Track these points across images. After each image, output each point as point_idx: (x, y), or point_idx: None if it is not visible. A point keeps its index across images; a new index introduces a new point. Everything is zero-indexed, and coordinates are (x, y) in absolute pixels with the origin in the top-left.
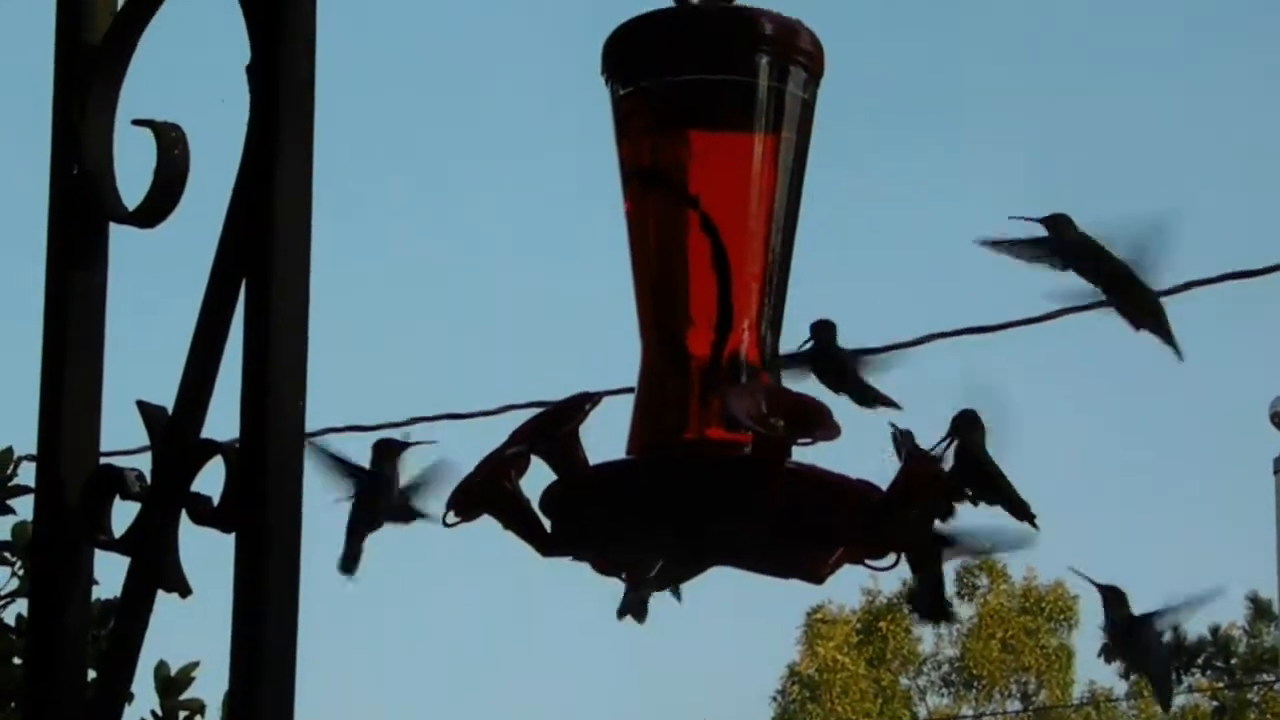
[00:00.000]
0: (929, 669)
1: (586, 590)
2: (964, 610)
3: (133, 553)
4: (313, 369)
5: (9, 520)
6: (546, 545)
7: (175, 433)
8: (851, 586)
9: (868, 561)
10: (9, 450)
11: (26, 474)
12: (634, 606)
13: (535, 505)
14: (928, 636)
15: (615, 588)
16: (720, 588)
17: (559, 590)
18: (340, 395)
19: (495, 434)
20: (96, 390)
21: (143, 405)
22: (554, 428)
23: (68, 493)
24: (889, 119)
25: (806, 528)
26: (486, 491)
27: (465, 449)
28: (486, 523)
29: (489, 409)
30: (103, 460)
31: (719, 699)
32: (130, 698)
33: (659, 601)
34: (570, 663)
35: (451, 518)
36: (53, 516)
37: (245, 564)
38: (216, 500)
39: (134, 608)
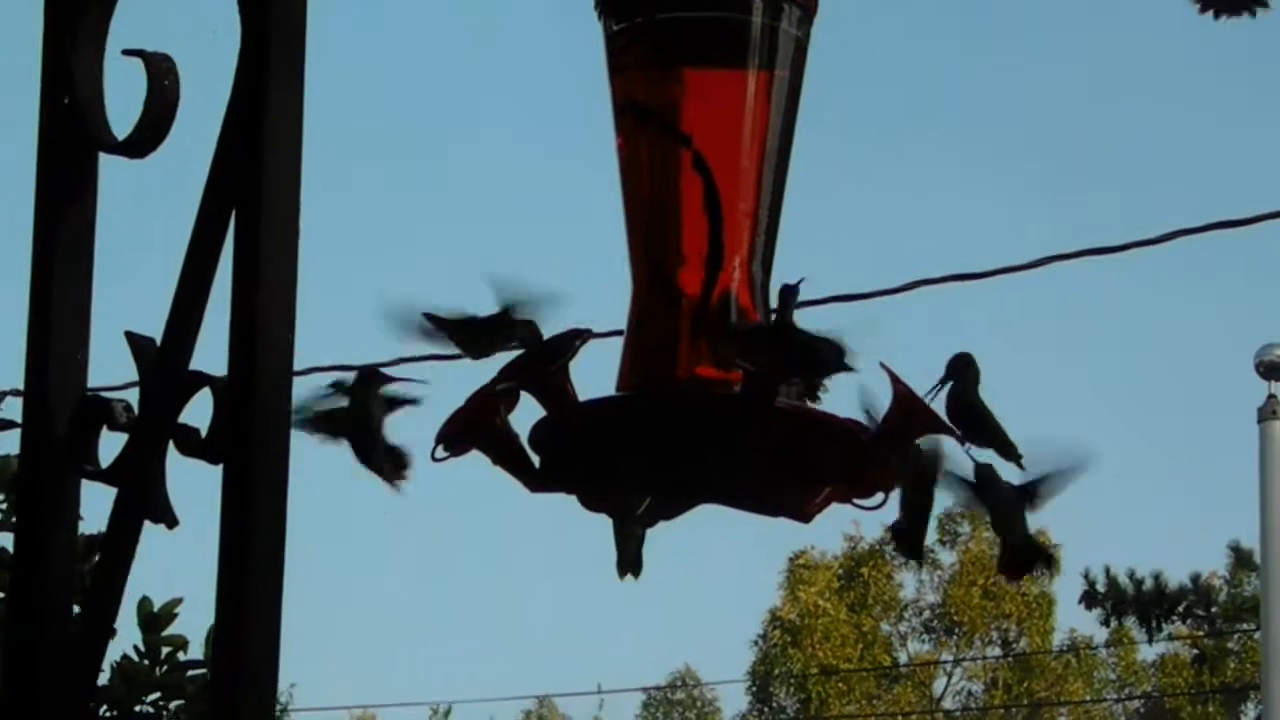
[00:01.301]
0: (910, 615)
1: (566, 531)
2: (945, 557)
3: (120, 483)
4: (301, 303)
5: None
6: (535, 481)
7: (164, 364)
8: (833, 532)
9: (856, 501)
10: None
11: (11, 409)
12: (631, 561)
13: (524, 441)
14: (909, 583)
15: (597, 528)
16: (702, 532)
17: (537, 532)
18: (325, 333)
19: (482, 375)
20: (84, 321)
21: (131, 336)
22: (544, 364)
23: (55, 423)
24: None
25: (795, 466)
26: (475, 427)
27: (450, 389)
28: (475, 458)
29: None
30: (90, 392)
31: (700, 643)
32: (113, 633)
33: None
34: (548, 605)
35: (440, 452)
36: (40, 447)
37: (232, 495)
38: (204, 432)
39: (120, 539)
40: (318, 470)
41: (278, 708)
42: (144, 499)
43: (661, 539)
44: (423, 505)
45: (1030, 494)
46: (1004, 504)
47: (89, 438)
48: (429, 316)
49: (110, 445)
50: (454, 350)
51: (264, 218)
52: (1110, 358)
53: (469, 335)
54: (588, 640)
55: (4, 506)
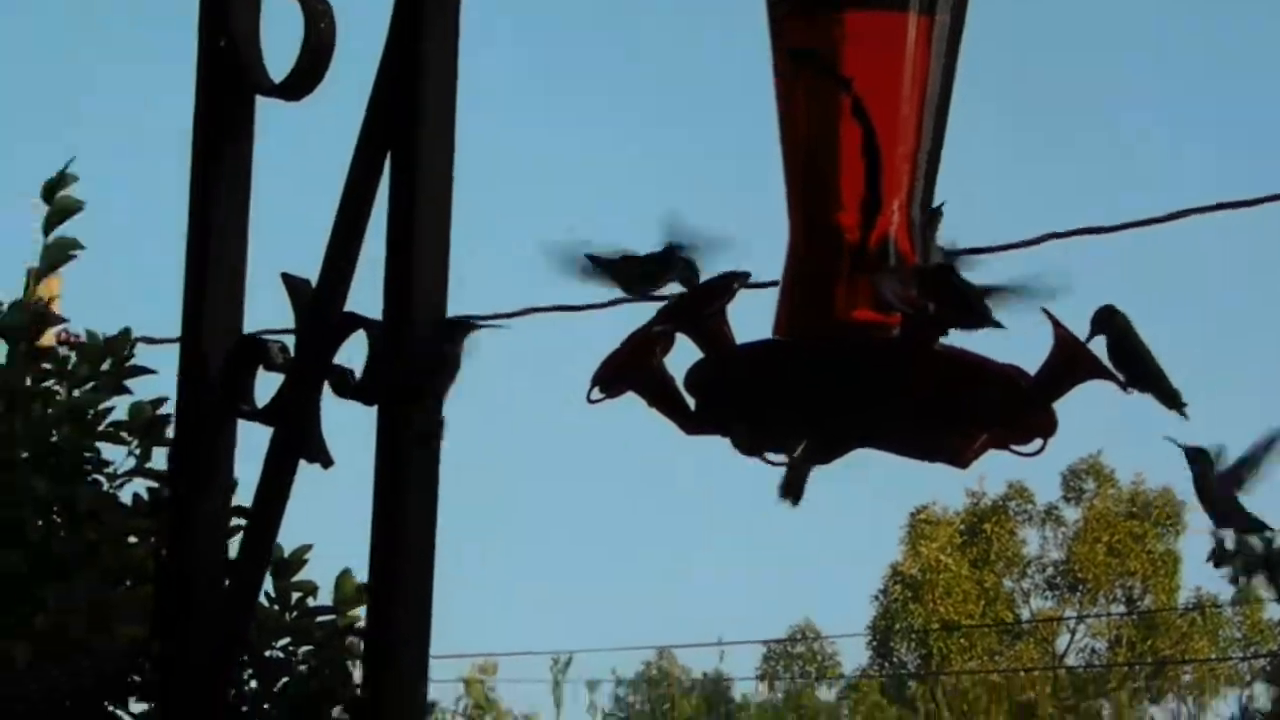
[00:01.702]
0: (1033, 571)
1: (688, 483)
2: (1070, 513)
3: (275, 423)
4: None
5: (126, 400)
6: (690, 423)
7: (319, 306)
8: (956, 487)
9: (1013, 447)
10: (127, 331)
11: (143, 355)
12: (793, 486)
13: (680, 383)
14: (1033, 539)
15: (718, 479)
16: (824, 485)
17: (660, 483)
18: (480, 274)
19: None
20: (241, 262)
21: (287, 278)
22: (701, 306)
23: (212, 364)
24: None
25: (953, 411)
26: (631, 368)
27: (577, 341)
28: (630, 399)
29: (600, 302)
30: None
31: (821, 597)
32: (267, 567)
33: (761, 498)
34: (669, 556)
35: (596, 394)
36: (197, 387)
37: (386, 438)
38: (359, 373)
39: (276, 478)
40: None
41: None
42: (299, 439)
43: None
44: (543, 454)
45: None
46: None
47: (245, 378)
48: (590, 257)
49: (267, 386)
50: (612, 289)
51: (419, 160)
52: (1232, 314)
53: (629, 273)
54: (708, 592)
55: (138, 451)
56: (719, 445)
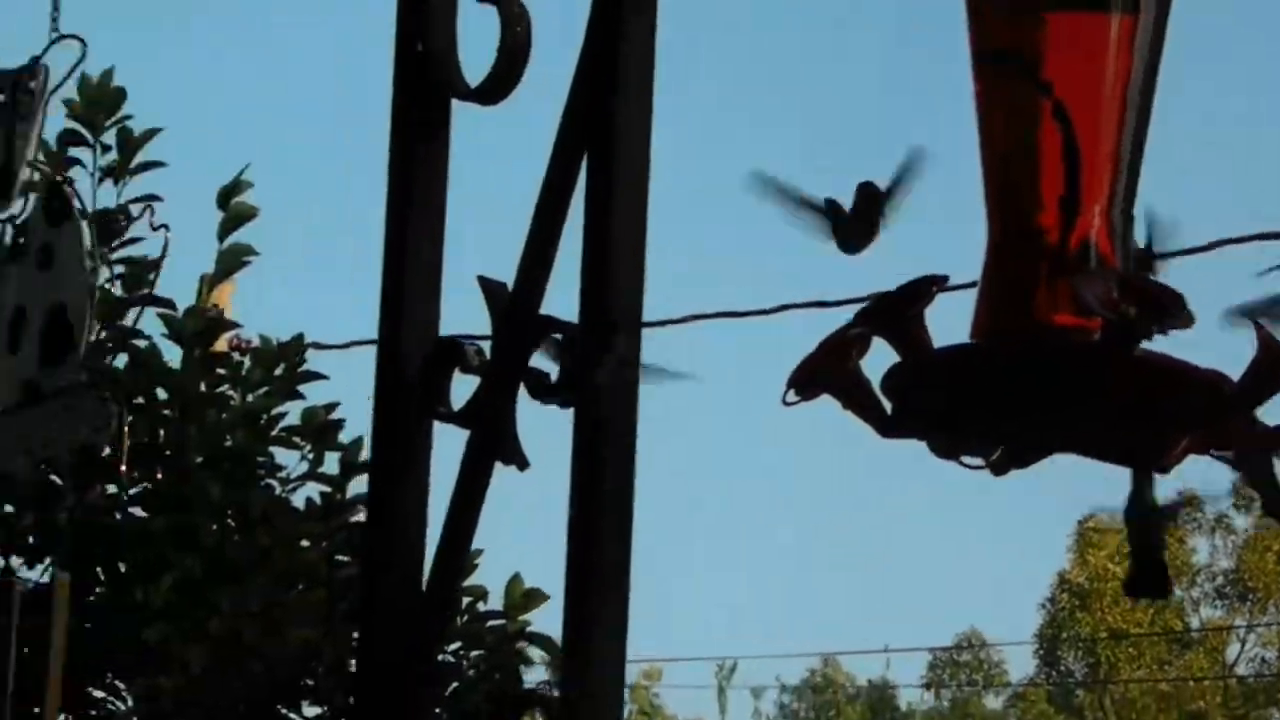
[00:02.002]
0: (1203, 580)
1: (855, 489)
2: (1240, 522)
3: (472, 425)
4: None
5: (299, 405)
6: (886, 426)
7: (515, 308)
8: (1123, 495)
9: (1214, 452)
10: (299, 336)
11: (315, 360)
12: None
13: (876, 386)
14: (1202, 547)
15: (885, 484)
16: (990, 493)
17: (826, 490)
18: (674, 277)
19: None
20: (437, 265)
21: (484, 281)
22: (899, 309)
23: (409, 366)
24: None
25: (1153, 415)
26: (827, 371)
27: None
28: (825, 402)
29: (766, 308)
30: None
31: (987, 605)
32: (464, 568)
33: (931, 509)
34: (835, 563)
35: (791, 396)
36: (394, 390)
37: (583, 440)
38: (555, 376)
39: (472, 480)
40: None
41: (558, 659)
42: (495, 441)
43: (952, 500)
44: (710, 463)
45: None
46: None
47: (442, 380)
48: (799, 198)
49: (463, 388)
50: (822, 229)
51: (616, 161)
52: None
53: (838, 218)
54: (874, 600)
55: (310, 456)
56: (888, 452)
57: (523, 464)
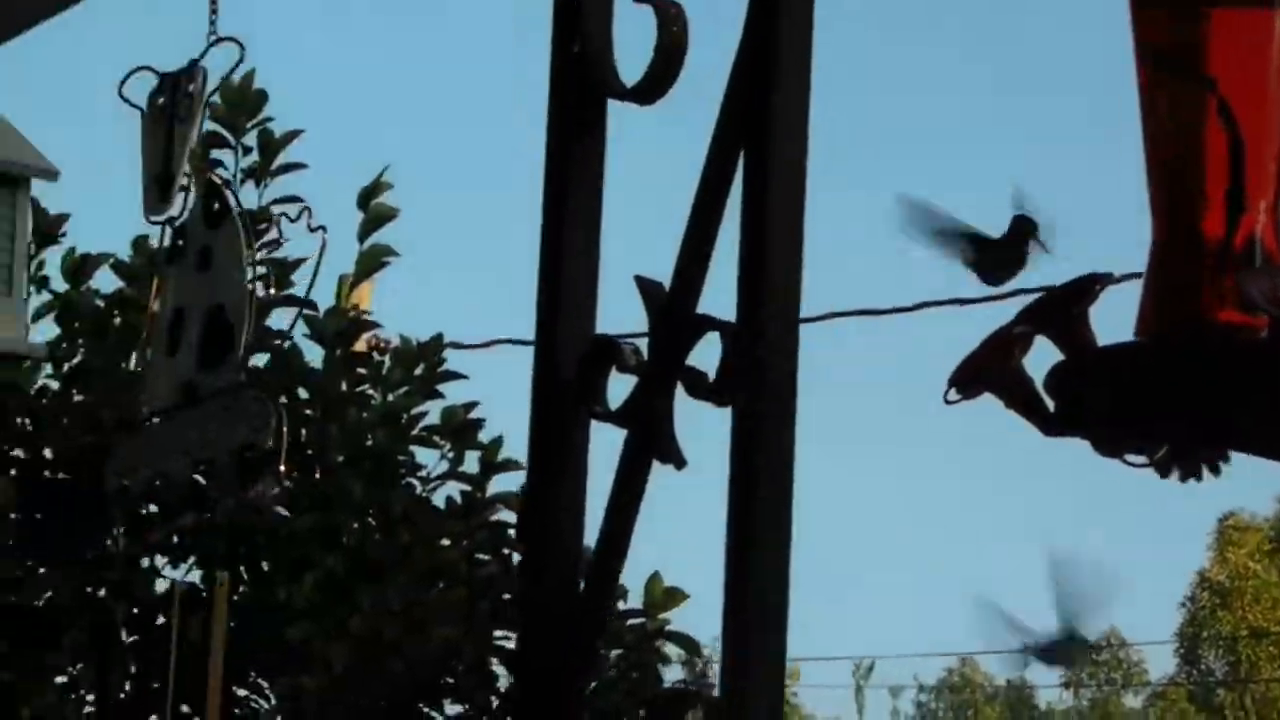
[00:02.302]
0: None
1: (994, 485)
2: None
3: (629, 424)
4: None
5: (438, 404)
6: (1050, 425)
7: (672, 307)
8: (1264, 494)
9: None
10: (439, 336)
11: (454, 360)
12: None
13: (1038, 385)
14: None
15: (1020, 480)
16: (1132, 491)
17: (965, 486)
18: (849, 276)
19: (997, 320)
20: (594, 265)
21: (640, 280)
22: (1063, 307)
23: (565, 366)
24: None
25: None
26: (990, 369)
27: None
28: (986, 401)
29: (905, 306)
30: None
31: (1126, 604)
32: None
33: (1070, 507)
34: (973, 562)
35: (953, 395)
36: (550, 390)
37: (742, 438)
38: (712, 374)
39: (630, 479)
40: None
41: (701, 661)
42: (653, 440)
43: (1091, 498)
44: (846, 462)
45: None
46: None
47: (598, 380)
48: (943, 228)
49: (619, 388)
50: (962, 262)
51: (773, 158)
52: None
53: (981, 251)
54: (1012, 598)
55: (450, 455)
56: (1026, 451)
57: (680, 462)
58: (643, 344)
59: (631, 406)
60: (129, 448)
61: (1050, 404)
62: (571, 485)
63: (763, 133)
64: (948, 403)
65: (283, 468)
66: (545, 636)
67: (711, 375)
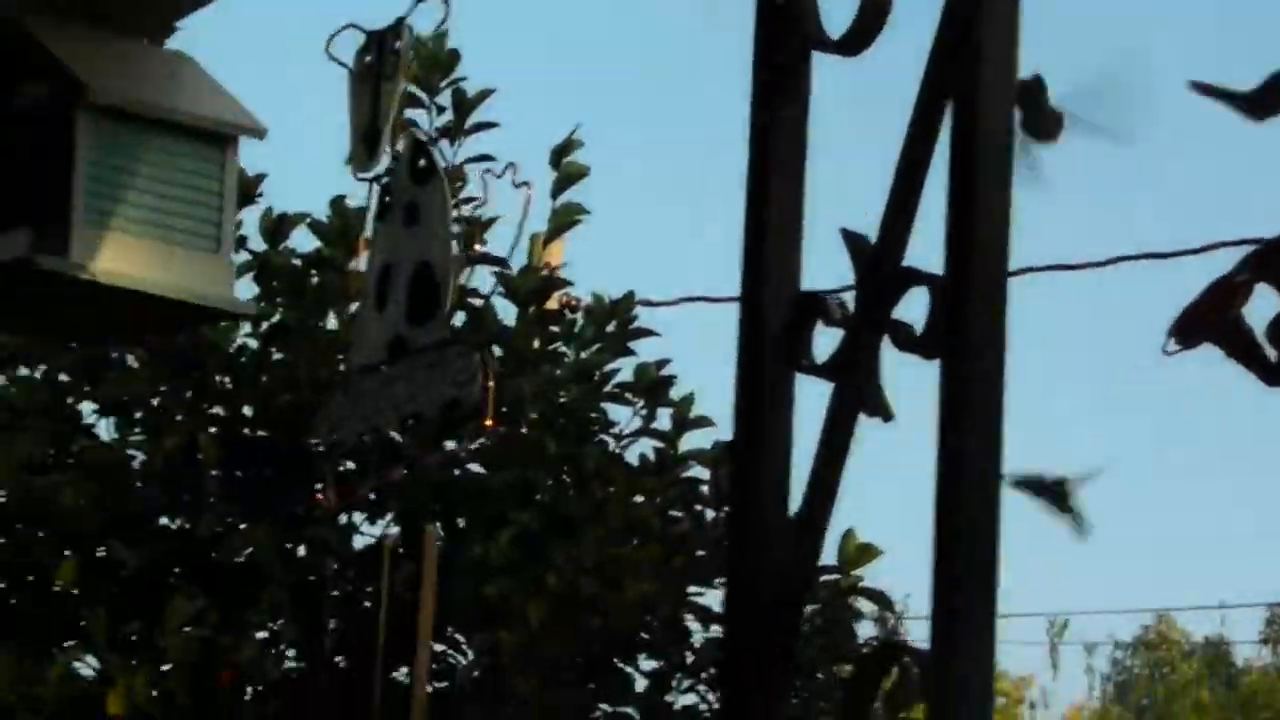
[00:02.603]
0: None
1: (1182, 441)
2: None
3: (836, 378)
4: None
5: (630, 361)
6: (1272, 376)
7: (878, 261)
8: None
9: None
10: (630, 294)
11: (645, 317)
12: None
13: (1261, 335)
14: None
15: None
16: None
17: (1155, 441)
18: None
19: (1199, 275)
20: (798, 218)
21: (846, 233)
22: None
23: (771, 320)
24: None
25: None
26: (1212, 319)
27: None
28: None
29: (1193, 247)
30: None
31: None
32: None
33: (1264, 463)
34: (1169, 518)
35: (1172, 345)
36: (756, 344)
37: (950, 392)
38: (919, 328)
39: (837, 433)
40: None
41: (894, 616)
42: (860, 394)
43: None
44: (1039, 415)
45: None
46: None
47: (805, 334)
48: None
49: (826, 341)
50: None
51: (980, 109)
52: None
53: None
54: (1209, 555)
55: (643, 412)
56: (1235, 404)
57: (888, 416)
58: (848, 298)
59: (838, 360)
60: (338, 403)
61: (1272, 353)
62: (778, 440)
63: (970, 81)
64: (1167, 354)
65: (488, 422)
66: (752, 593)
67: (919, 329)
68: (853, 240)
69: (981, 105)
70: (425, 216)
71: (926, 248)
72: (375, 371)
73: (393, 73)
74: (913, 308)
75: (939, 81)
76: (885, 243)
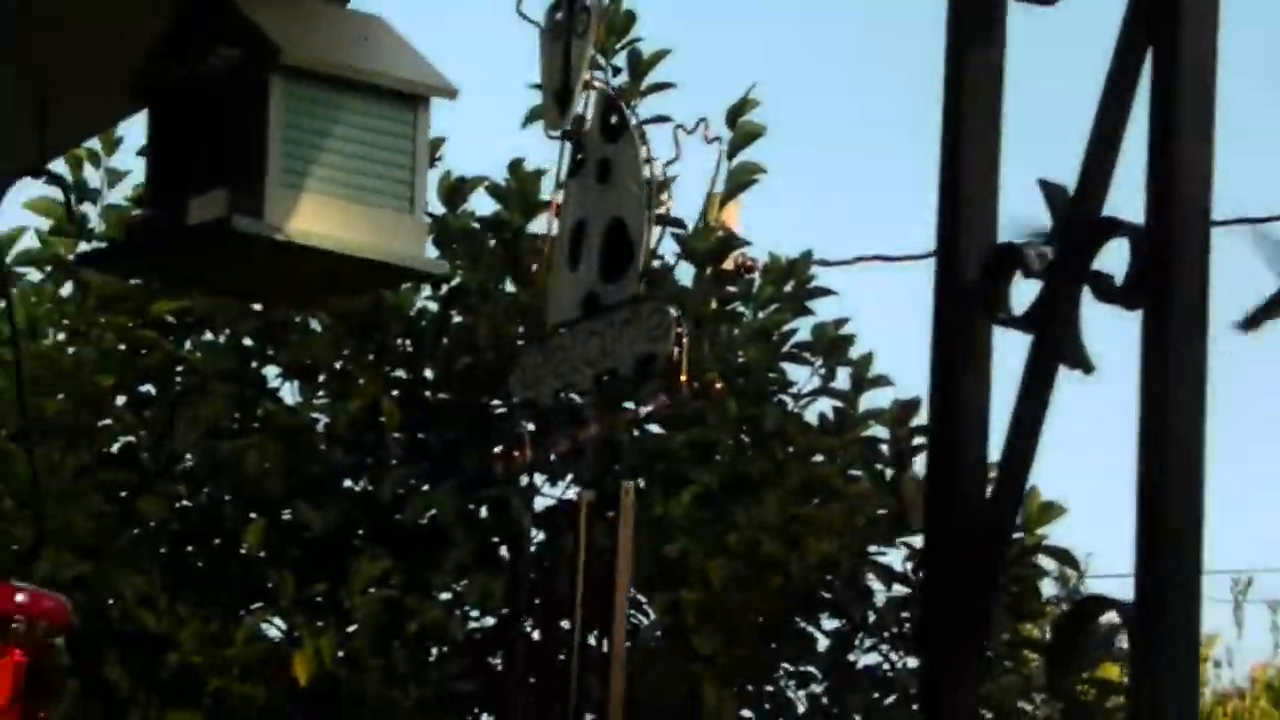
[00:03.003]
0: None
1: None
2: None
3: (1035, 329)
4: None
5: (808, 321)
6: None
7: (1077, 211)
8: None
9: None
10: (808, 253)
11: (822, 276)
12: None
13: None
14: None
15: None
16: None
17: None
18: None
19: None
20: (994, 169)
21: (1044, 184)
22: None
23: (967, 271)
24: None
25: None
26: None
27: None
28: None
29: None
30: (1002, 240)
31: None
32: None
33: None
34: None
35: None
36: (953, 295)
37: (1152, 342)
38: (1120, 278)
39: (1036, 385)
40: None
41: (1076, 574)
42: (1059, 345)
43: None
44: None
45: None
46: None
47: (1002, 285)
48: None
49: (1024, 292)
50: None
51: (1182, 54)
52: None
53: None
54: None
55: (822, 371)
56: None
57: (1088, 367)
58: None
59: (1037, 311)
60: (533, 361)
61: None
62: (976, 393)
63: (1171, 28)
64: None
65: (683, 377)
66: (951, 548)
67: (1119, 279)
68: (1051, 189)
69: (1183, 51)
70: (617, 173)
71: (1125, 198)
72: (569, 329)
73: (584, 30)
74: (1109, 259)
75: (1139, 27)
76: (1084, 191)
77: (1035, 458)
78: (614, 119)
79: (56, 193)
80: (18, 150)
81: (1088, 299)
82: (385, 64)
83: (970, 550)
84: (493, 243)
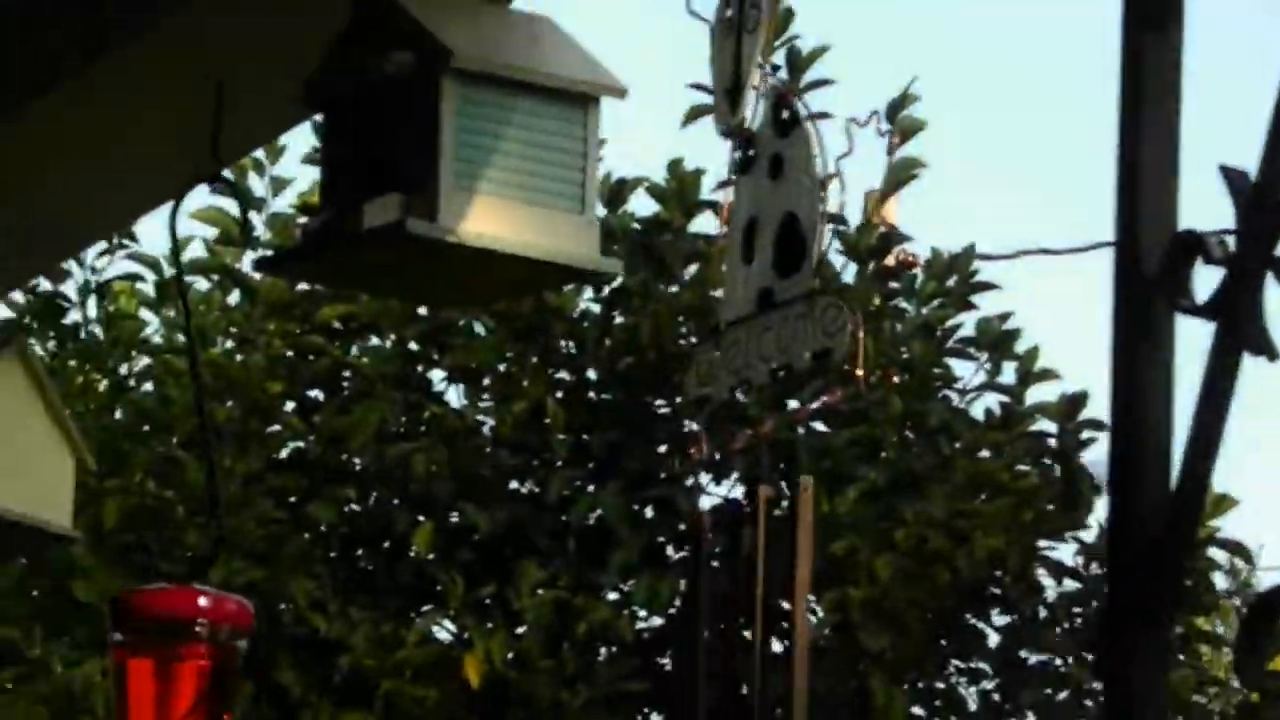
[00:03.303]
0: None
1: None
2: None
3: (1218, 318)
4: None
5: (972, 316)
6: None
7: (1260, 197)
8: None
9: None
10: (971, 247)
11: (984, 271)
12: None
13: None
14: None
15: None
16: None
17: None
18: None
19: None
20: (1174, 154)
21: (1226, 169)
22: None
23: (1148, 259)
24: None
25: None
26: None
27: None
28: None
29: None
30: (1184, 227)
31: None
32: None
33: None
34: None
35: None
36: (1133, 283)
37: None
38: None
39: (1220, 374)
40: None
41: (1247, 568)
42: (1243, 333)
43: None
44: None
45: None
46: None
47: (1183, 273)
48: None
49: (1207, 280)
50: None
51: None
52: None
53: None
54: None
55: (988, 366)
56: None
57: (1272, 355)
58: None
59: (1220, 299)
60: (709, 357)
61: None
62: (1159, 383)
63: None
64: None
65: (860, 373)
66: (1135, 542)
67: None
68: (1233, 176)
69: None
70: (790, 168)
71: None
72: (744, 324)
73: (754, 26)
74: None
75: None
76: (1266, 178)
77: (1220, 447)
78: (785, 114)
79: (223, 202)
80: (195, 156)
81: (1272, 286)
82: (555, 64)
83: (1155, 542)
84: (654, 242)
